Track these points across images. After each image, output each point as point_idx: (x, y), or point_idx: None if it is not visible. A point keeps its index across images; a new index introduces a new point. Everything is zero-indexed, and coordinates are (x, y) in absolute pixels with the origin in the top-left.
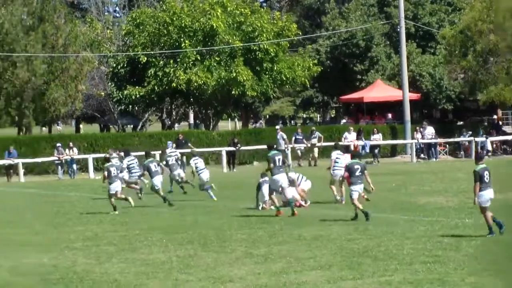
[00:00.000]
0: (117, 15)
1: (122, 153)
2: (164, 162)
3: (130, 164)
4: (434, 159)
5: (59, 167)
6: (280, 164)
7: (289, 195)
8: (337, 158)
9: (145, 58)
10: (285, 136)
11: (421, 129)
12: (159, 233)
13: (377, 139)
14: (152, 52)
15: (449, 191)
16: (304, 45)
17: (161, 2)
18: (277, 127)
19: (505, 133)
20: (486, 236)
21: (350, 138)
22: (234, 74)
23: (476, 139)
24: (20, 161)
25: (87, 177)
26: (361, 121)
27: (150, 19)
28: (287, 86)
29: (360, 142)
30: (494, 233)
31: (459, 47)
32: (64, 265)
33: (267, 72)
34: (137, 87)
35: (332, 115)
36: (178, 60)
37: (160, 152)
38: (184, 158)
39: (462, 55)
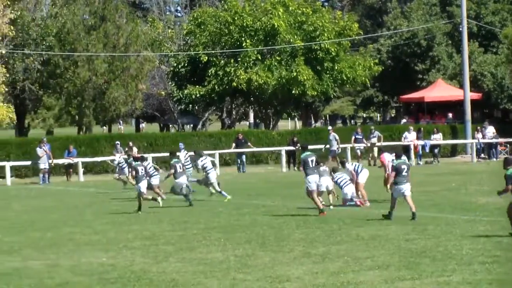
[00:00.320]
0: (179, 14)
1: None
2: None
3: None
4: (494, 159)
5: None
6: (314, 165)
7: (349, 193)
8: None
9: (206, 58)
10: (337, 137)
11: (482, 128)
12: (217, 233)
13: (437, 138)
14: (213, 52)
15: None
16: (365, 45)
17: (222, 2)
18: (329, 127)
19: None
20: None
21: (410, 137)
22: (295, 74)
23: None
24: (79, 160)
25: None
26: (421, 120)
27: (212, 19)
28: (347, 86)
29: (420, 142)
30: None
31: None
32: (122, 264)
33: (327, 72)
34: (197, 86)
35: (392, 115)
36: (239, 59)
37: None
38: (244, 157)
39: None
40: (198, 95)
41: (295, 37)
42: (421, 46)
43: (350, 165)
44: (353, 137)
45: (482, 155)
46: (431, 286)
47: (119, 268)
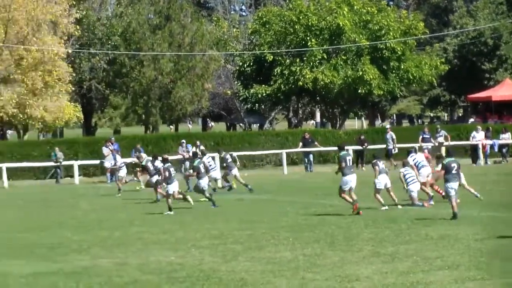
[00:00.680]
0: (243, 13)
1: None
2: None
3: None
4: None
5: (183, 164)
6: (351, 164)
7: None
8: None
9: (272, 57)
10: (394, 136)
11: None
12: (285, 232)
13: (506, 138)
14: (279, 51)
15: None
16: (431, 44)
17: (287, 1)
18: (387, 126)
19: None
20: None
21: (478, 137)
22: (361, 73)
23: None
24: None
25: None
26: (489, 120)
27: (277, 18)
28: (414, 85)
29: (489, 141)
30: None
31: None
32: (191, 263)
33: (393, 71)
34: (263, 85)
35: (460, 114)
36: (305, 58)
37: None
38: (311, 156)
39: None
40: (264, 94)
41: (360, 36)
42: (488, 45)
43: (412, 159)
44: (421, 137)
45: None
46: (502, 287)
47: (187, 267)
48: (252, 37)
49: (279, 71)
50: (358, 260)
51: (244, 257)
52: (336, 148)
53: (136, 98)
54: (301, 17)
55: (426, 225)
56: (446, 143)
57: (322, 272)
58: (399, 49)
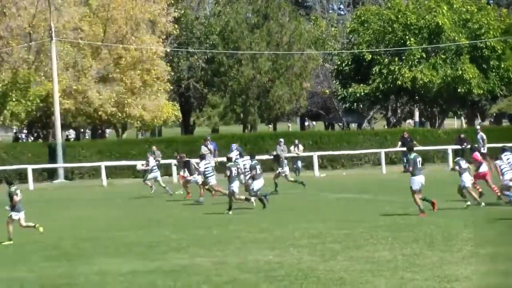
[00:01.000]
0: (342, 12)
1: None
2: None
3: (206, 169)
4: None
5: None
6: (420, 165)
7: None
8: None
9: (370, 56)
10: (484, 137)
11: None
12: (383, 231)
13: None
14: (377, 50)
15: None
16: None
17: (386, 0)
18: (478, 126)
19: None
20: None
21: None
22: (460, 72)
23: None
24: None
25: (311, 174)
26: None
27: (375, 17)
28: None
29: None
30: None
31: None
32: (289, 262)
33: (493, 70)
34: (361, 84)
35: None
36: (403, 57)
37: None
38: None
39: None
40: (362, 94)
41: (460, 35)
42: None
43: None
44: None
45: None
46: None
47: (286, 266)
48: (351, 36)
49: (377, 70)
50: (457, 260)
51: (342, 256)
52: (434, 147)
53: (234, 97)
54: (399, 16)
55: None
56: None
57: (421, 272)
58: (499, 48)
